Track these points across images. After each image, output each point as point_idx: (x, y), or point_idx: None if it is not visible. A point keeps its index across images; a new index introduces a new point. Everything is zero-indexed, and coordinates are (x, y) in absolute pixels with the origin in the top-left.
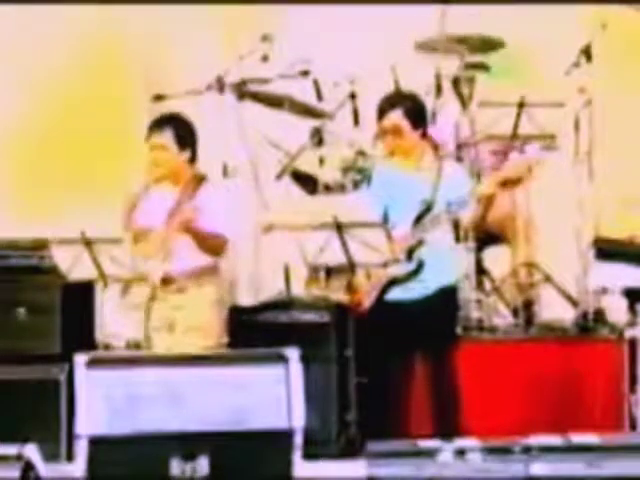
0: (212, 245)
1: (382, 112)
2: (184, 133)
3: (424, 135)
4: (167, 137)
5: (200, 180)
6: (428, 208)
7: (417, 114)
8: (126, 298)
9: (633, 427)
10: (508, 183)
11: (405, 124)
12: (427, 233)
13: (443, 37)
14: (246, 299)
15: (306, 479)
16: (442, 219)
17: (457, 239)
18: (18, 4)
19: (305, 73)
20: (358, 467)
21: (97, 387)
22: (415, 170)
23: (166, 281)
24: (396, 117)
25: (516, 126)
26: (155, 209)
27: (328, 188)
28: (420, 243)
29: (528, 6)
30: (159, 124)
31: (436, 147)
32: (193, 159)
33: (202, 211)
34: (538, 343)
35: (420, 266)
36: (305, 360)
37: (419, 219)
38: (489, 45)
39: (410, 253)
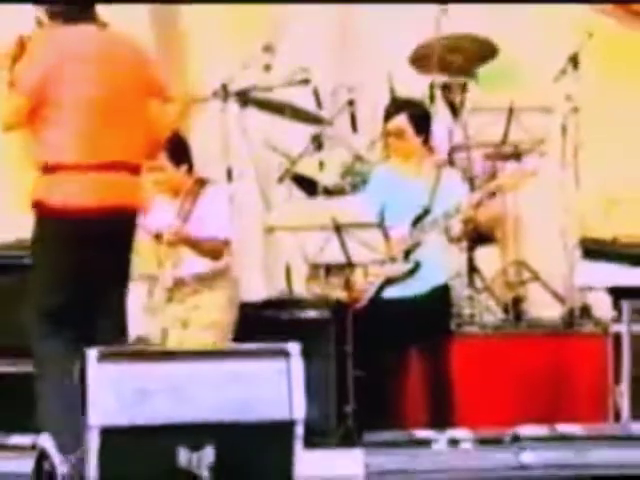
0: (209, 250)
1: (388, 115)
2: (177, 150)
3: (426, 141)
4: (161, 158)
5: (201, 185)
6: (426, 212)
7: (421, 120)
8: (150, 300)
9: (617, 418)
10: (501, 190)
11: (408, 128)
12: (425, 236)
13: (437, 46)
14: (249, 297)
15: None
16: (440, 223)
17: (450, 240)
18: (19, 3)
19: (305, 81)
20: (356, 456)
21: (107, 380)
22: (414, 175)
23: (179, 284)
24: (400, 121)
25: (506, 131)
26: (159, 217)
27: (327, 191)
28: (417, 245)
29: (517, 16)
30: None
31: (431, 151)
32: (190, 169)
33: (202, 219)
34: (527, 338)
35: (417, 266)
36: (306, 355)
37: (416, 222)
38: (482, 52)
39: (407, 254)
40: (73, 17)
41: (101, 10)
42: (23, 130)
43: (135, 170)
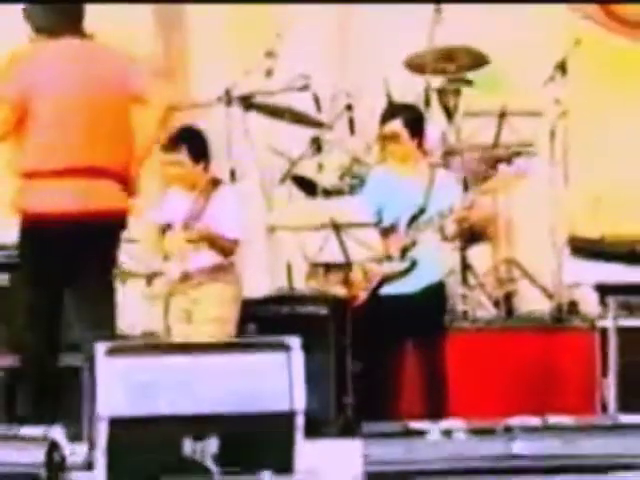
0: (224, 248)
1: (384, 119)
2: (198, 147)
3: (420, 144)
4: (182, 155)
5: (215, 184)
6: (421, 211)
7: (415, 125)
8: (150, 288)
9: (605, 409)
10: (493, 192)
11: (403, 133)
12: (420, 234)
13: (431, 55)
14: (252, 293)
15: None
16: (435, 222)
17: (444, 238)
18: (16, 3)
19: (306, 87)
20: (354, 446)
21: (116, 373)
22: (410, 176)
23: (184, 278)
24: (395, 125)
25: (498, 134)
26: (172, 209)
27: (327, 192)
28: (413, 243)
29: (508, 24)
30: (173, 142)
31: (426, 154)
32: (207, 167)
33: (214, 217)
34: (517, 333)
35: (413, 264)
36: (306, 348)
37: (412, 221)
38: (475, 62)
39: (404, 252)
40: (57, 32)
41: (108, 18)
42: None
43: (116, 176)
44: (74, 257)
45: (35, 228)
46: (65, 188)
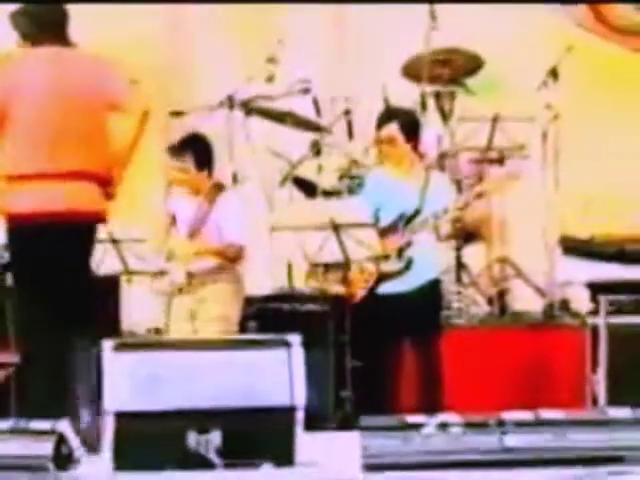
0: (230, 255)
1: (381, 123)
2: (203, 154)
3: (415, 147)
4: (188, 161)
5: (219, 189)
6: (416, 213)
7: (411, 128)
8: (156, 283)
9: (595, 403)
10: (487, 193)
11: (399, 136)
12: (416, 235)
13: (427, 62)
14: (254, 291)
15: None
16: (430, 223)
17: (439, 238)
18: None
19: (306, 91)
20: (353, 438)
21: (122, 368)
22: (405, 178)
23: (188, 277)
24: (391, 129)
25: (491, 138)
26: (176, 210)
27: (326, 193)
28: (409, 244)
29: (503, 31)
30: (179, 149)
31: (421, 156)
32: (211, 173)
33: (219, 222)
34: (510, 330)
35: (409, 264)
36: (306, 345)
37: (408, 222)
38: (469, 67)
39: (400, 252)
40: (40, 39)
41: (112, 24)
42: None
43: (95, 179)
44: (54, 256)
45: (18, 228)
46: (44, 190)
